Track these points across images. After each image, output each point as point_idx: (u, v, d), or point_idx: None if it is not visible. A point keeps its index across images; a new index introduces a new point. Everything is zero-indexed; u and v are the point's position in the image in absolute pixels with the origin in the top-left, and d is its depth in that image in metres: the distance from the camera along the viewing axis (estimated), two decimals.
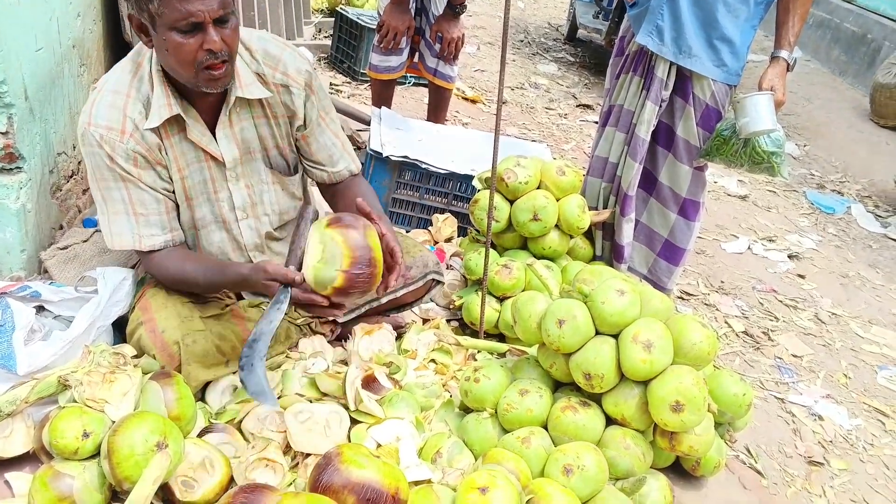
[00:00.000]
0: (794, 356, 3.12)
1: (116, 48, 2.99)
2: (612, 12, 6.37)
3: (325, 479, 1.56)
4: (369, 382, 2.08)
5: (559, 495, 1.73)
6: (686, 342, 1.94)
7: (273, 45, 2.02)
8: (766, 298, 3.55)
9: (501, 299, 2.63)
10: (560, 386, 2.12)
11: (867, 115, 6.87)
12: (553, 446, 1.95)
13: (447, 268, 2.86)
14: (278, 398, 1.99)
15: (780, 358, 3.09)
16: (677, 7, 2.58)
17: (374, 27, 3.77)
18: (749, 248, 4.06)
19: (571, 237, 2.85)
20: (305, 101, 2.05)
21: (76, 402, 1.74)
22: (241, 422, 1.95)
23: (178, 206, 2.05)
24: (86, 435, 1.66)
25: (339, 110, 3.60)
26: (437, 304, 2.74)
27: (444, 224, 3.12)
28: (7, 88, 2.08)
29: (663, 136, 2.80)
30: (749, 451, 2.46)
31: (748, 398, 2.10)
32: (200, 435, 1.87)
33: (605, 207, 2.94)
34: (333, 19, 5.44)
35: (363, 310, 2.40)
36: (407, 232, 3.13)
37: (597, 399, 2.01)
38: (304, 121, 2.09)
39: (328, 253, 1.73)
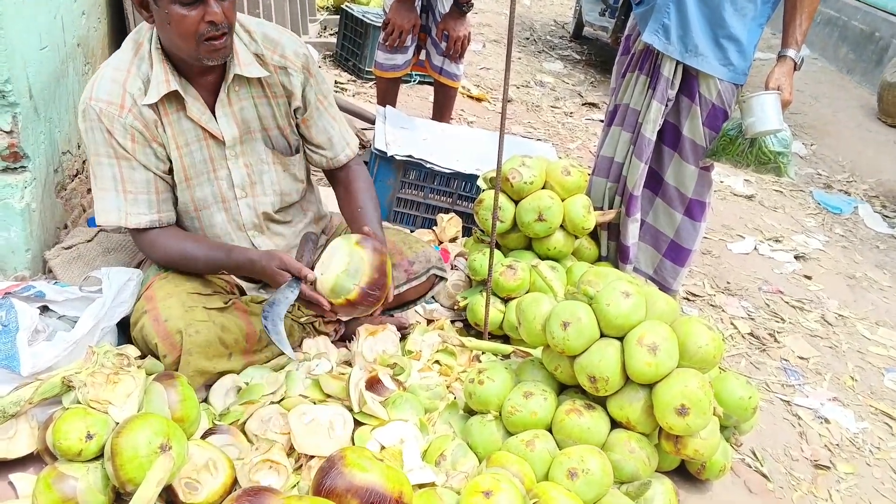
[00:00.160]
0: (801, 358, 3.11)
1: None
2: (618, 10, 6.35)
3: (329, 483, 1.55)
4: (373, 384, 2.08)
5: (564, 499, 1.72)
6: (692, 345, 1.93)
7: (272, 29, 2.08)
8: (773, 299, 3.53)
9: (506, 300, 2.62)
10: (565, 388, 2.11)
11: (875, 114, 6.84)
12: (557, 449, 1.94)
13: (451, 268, 2.85)
14: (281, 401, 1.99)
15: (786, 360, 3.08)
16: (684, 5, 2.56)
17: (380, 25, 3.77)
18: (755, 248, 4.04)
19: (576, 238, 2.83)
20: (304, 84, 2.11)
21: (80, 403, 1.74)
22: (244, 423, 1.94)
23: (173, 188, 2.07)
24: (89, 436, 1.66)
25: (343, 109, 3.58)
26: (441, 305, 2.74)
27: (449, 224, 3.11)
28: (11, 87, 2.07)
29: (669, 135, 2.78)
30: (755, 455, 2.45)
31: (754, 401, 2.09)
32: (204, 436, 1.87)
33: (610, 207, 2.93)
34: (339, 17, 5.43)
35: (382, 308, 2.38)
36: (411, 231, 3.12)
37: (602, 402, 2.00)
38: (304, 104, 2.14)
39: (352, 267, 1.89)
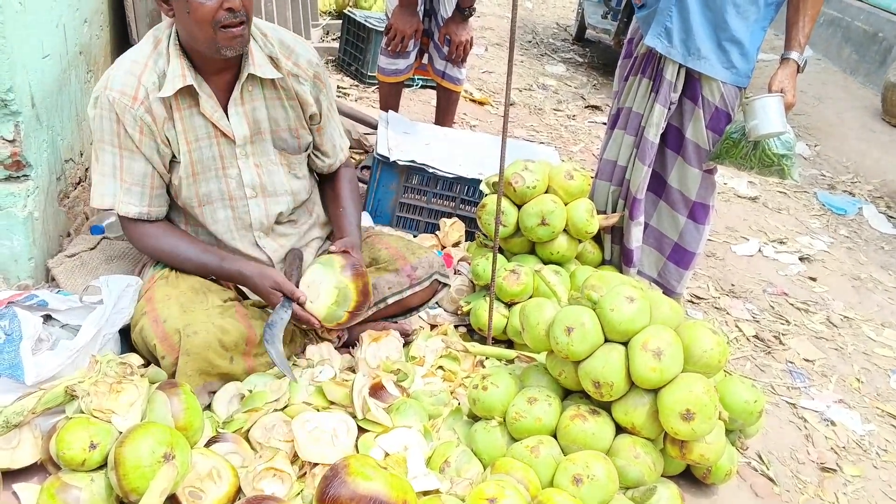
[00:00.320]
0: (806, 360, 3.09)
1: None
2: (620, 12, 6.34)
3: (333, 492, 1.54)
4: (377, 390, 2.07)
5: None
6: (696, 350, 1.92)
7: (287, 36, 2.15)
8: (777, 301, 3.52)
9: (509, 305, 2.62)
10: (569, 393, 2.10)
11: (879, 115, 6.82)
12: (562, 455, 1.93)
13: (455, 273, 2.85)
14: (284, 408, 1.98)
15: (791, 362, 3.06)
16: (686, 9, 2.56)
17: (382, 30, 3.77)
18: (760, 250, 4.03)
19: (580, 242, 2.83)
20: (318, 93, 2.19)
21: (83, 412, 1.74)
22: (248, 431, 1.94)
23: (169, 185, 2.11)
24: (93, 446, 1.65)
25: (345, 114, 3.59)
26: (444, 310, 2.73)
27: (452, 228, 3.11)
28: (14, 96, 2.07)
29: (672, 138, 2.78)
30: (761, 458, 2.44)
31: (759, 405, 2.08)
32: (208, 444, 1.86)
33: (613, 211, 2.92)
34: (341, 22, 5.44)
35: (369, 312, 2.39)
36: (414, 237, 3.12)
37: (606, 407, 2.00)
38: (319, 112, 2.21)
39: (341, 297, 2.06)
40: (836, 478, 2.45)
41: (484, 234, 2.85)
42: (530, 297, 2.60)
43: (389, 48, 3.48)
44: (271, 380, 2.09)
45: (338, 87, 5.02)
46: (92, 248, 2.45)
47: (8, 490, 1.73)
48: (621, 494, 1.89)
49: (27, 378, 1.78)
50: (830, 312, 3.51)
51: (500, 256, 2.60)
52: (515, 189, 2.71)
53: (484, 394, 2.05)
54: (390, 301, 2.40)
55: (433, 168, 3.11)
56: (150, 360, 2.00)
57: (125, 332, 2.08)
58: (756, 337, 3.20)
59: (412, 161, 3.09)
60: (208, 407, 2.03)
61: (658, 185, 2.88)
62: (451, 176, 3.13)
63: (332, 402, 2.04)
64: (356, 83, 5.17)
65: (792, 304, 3.52)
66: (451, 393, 2.25)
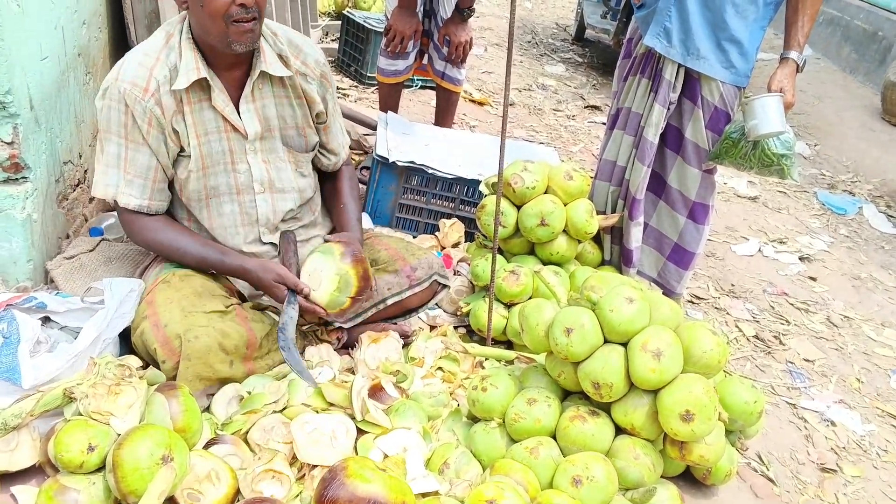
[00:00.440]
0: (806, 360, 3.09)
1: (122, 55, 2.98)
2: (619, 12, 6.34)
3: (331, 494, 1.54)
4: (376, 391, 2.07)
5: None
6: (696, 350, 1.92)
7: (295, 35, 2.20)
8: (778, 301, 3.52)
9: (509, 306, 2.61)
10: (569, 394, 2.10)
11: (878, 114, 6.81)
12: (562, 456, 1.93)
13: (454, 273, 2.84)
14: (283, 409, 1.98)
15: (791, 362, 3.06)
16: (685, 8, 2.55)
17: (381, 30, 3.76)
18: (760, 250, 4.02)
19: (579, 242, 2.82)
20: (325, 93, 2.23)
21: (81, 414, 1.73)
22: (247, 433, 1.94)
23: (171, 180, 2.12)
24: (91, 448, 1.65)
25: (345, 115, 3.58)
26: (444, 311, 2.73)
27: (451, 229, 3.10)
28: (12, 98, 2.07)
29: (672, 138, 2.77)
30: (761, 459, 2.43)
31: (759, 405, 2.07)
32: (207, 446, 1.86)
33: (613, 211, 2.92)
34: (340, 23, 5.44)
35: (369, 314, 2.39)
36: (414, 237, 3.12)
37: (606, 408, 1.99)
38: (325, 111, 2.25)
39: (342, 283, 2.10)
40: (837, 478, 2.45)
41: (483, 235, 2.85)
42: (530, 298, 2.60)
43: (389, 49, 3.48)
44: (270, 381, 2.09)
45: (337, 87, 5.01)
46: (91, 250, 2.45)
47: (6, 493, 1.72)
48: (621, 496, 1.89)
49: (24, 382, 1.78)
50: (830, 312, 3.50)
51: (499, 257, 2.60)
52: (515, 189, 2.71)
53: (483, 395, 2.05)
54: (390, 302, 2.40)
55: (432, 169, 3.11)
56: (150, 362, 2.00)
57: (124, 334, 2.08)
58: (756, 337, 3.20)
59: (411, 162, 3.09)
60: (207, 409, 2.02)
61: (658, 185, 2.88)
62: (450, 177, 3.12)
63: (331, 404, 2.03)
64: (355, 84, 5.17)
65: (792, 304, 3.52)
66: (451, 394, 2.25)
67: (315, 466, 1.83)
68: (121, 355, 2.05)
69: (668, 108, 2.68)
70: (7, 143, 2.12)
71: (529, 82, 6.33)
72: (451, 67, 3.60)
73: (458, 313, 2.69)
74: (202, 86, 2.03)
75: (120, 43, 2.96)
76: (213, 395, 2.04)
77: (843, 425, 2.71)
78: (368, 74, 5.05)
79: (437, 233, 3.14)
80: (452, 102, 3.83)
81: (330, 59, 5.51)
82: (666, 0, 2.58)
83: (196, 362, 1.94)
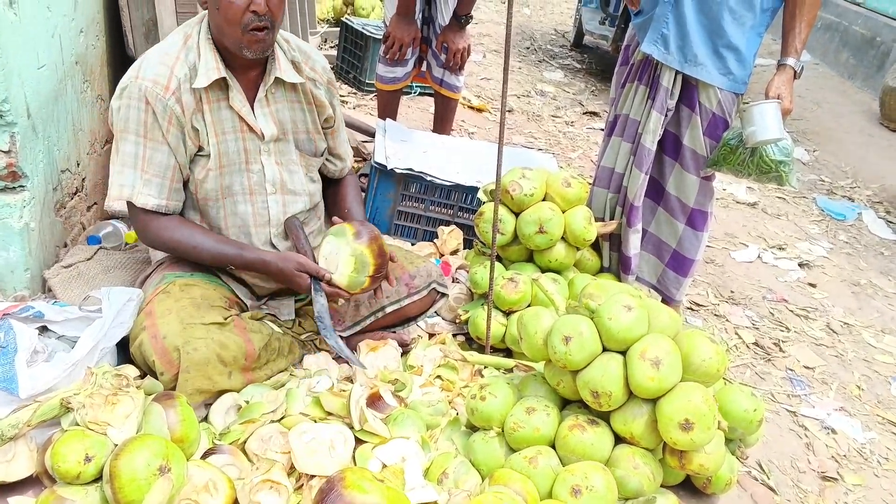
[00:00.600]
0: (806, 367, 3.08)
1: (120, 63, 2.99)
2: (618, 18, 6.35)
3: None
4: (374, 400, 2.06)
5: None
6: (695, 359, 1.91)
7: (303, 43, 2.27)
8: (777, 308, 3.51)
9: (508, 313, 2.61)
10: (568, 403, 2.09)
11: (877, 119, 6.82)
12: (561, 466, 1.92)
13: (453, 281, 2.84)
14: (281, 419, 1.97)
15: (791, 370, 3.05)
16: (682, 15, 2.55)
17: (380, 37, 3.77)
18: (759, 256, 4.02)
19: (578, 249, 2.82)
20: (331, 98, 2.28)
21: (78, 425, 1.73)
22: (245, 442, 1.93)
23: (186, 180, 2.12)
24: (88, 459, 1.65)
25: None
26: (442, 319, 2.72)
27: (450, 236, 3.10)
28: (9, 107, 2.07)
29: (670, 145, 2.77)
30: (761, 467, 2.43)
31: (759, 413, 2.06)
32: (204, 456, 1.85)
33: (611, 218, 2.92)
34: (339, 29, 5.44)
35: (367, 321, 2.39)
36: (412, 245, 3.11)
37: (605, 417, 1.98)
38: (334, 116, 2.31)
39: (359, 263, 2.10)
40: (837, 486, 2.44)
41: (482, 242, 2.85)
42: (529, 306, 2.59)
43: (387, 56, 3.48)
44: (268, 390, 2.09)
45: None
46: (88, 259, 2.44)
47: (3, 503, 1.71)
48: None
49: (21, 391, 1.77)
50: (830, 319, 3.50)
51: (498, 264, 2.59)
52: (513, 197, 2.71)
53: (482, 404, 2.04)
54: (388, 310, 2.40)
55: (431, 176, 3.11)
56: (148, 372, 1.99)
57: (123, 343, 2.07)
58: (756, 344, 3.19)
59: (409, 169, 3.09)
60: (205, 418, 2.02)
61: (656, 191, 2.87)
62: (448, 184, 3.12)
63: (329, 413, 2.03)
64: (354, 91, 5.17)
65: (791, 311, 3.51)
66: (450, 403, 2.24)
67: (313, 476, 1.82)
68: (119, 364, 2.04)
69: (666, 115, 2.68)
70: (4, 152, 2.12)
71: (528, 88, 6.33)
72: (449, 74, 3.60)
73: (457, 321, 2.68)
74: (220, 86, 2.06)
75: (117, 51, 2.96)
76: (210, 404, 2.03)
77: (843, 433, 2.70)
78: (367, 81, 5.05)
79: (435, 240, 3.14)
80: (451, 109, 3.83)
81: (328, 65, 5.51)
82: (663, 7, 2.58)
83: (195, 374, 1.93)
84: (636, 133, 2.75)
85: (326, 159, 2.39)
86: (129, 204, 2.09)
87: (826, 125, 6.58)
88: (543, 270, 2.76)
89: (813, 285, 3.80)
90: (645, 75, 2.70)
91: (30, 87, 2.18)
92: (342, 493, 1.54)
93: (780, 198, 4.94)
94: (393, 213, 3.17)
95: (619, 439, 1.98)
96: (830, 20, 8.56)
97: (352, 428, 1.97)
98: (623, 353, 1.93)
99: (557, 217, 2.68)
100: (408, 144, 3.35)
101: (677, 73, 2.61)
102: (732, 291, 3.59)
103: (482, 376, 2.39)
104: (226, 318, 2.08)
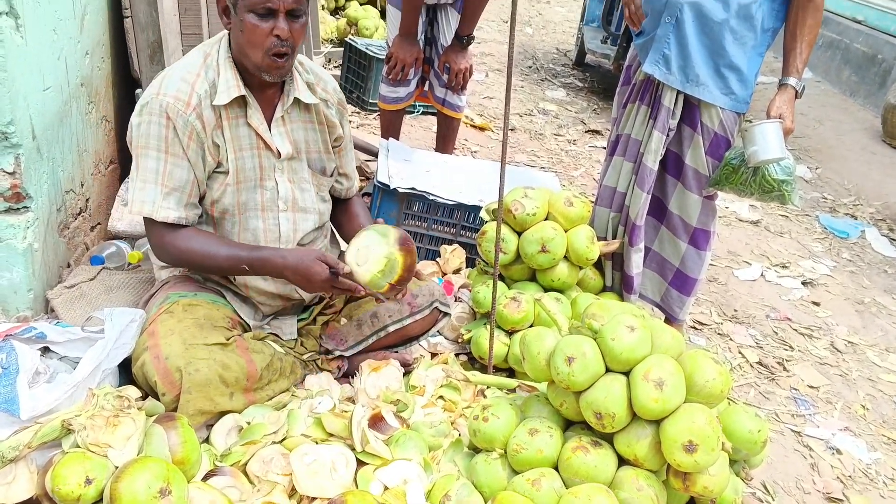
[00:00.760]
0: (811, 387, 3.06)
1: (125, 85, 3.01)
2: (619, 37, 6.38)
3: None
4: (376, 421, 2.05)
5: None
6: (699, 379, 1.90)
7: (316, 66, 2.32)
8: (781, 327, 3.50)
9: (510, 333, 2.60)
10: (571, 424, 2.08)
11: (879, 136, 6.82)
12: (564, 488, 1.90)
13: (455, 300, 2.84)
14: (282, 440, 1.97)
15: (795, 389, 3.03)
16: (684, 36, 2.57)
17: (383, 57, 3.79)
18: (762, 275, 4.01)
19: (581, 268, 2.82)
20: (341, 118, 2.33)
21: (79, 446, 1.72)
22: (246, 464, 1.92)
23: (202, 196, 2.14)
24: (88, 481, 1.64)
25: None
26: (445, 338, 2.72)
27: (453, 255, 3.10)
28: (14, 129, 2.09)
29: (672, 164, 2.78)
30: (766, 488, 2.41)
31: (763, 435, 2.05)
32: (205, 478, 1.84)
33: (613, 237, 2.92)
34: (342, 49, 5.47)
35: (370, 341, 2.39)
36: None
37: (608, 438, 1.97)
38: (343, 136, 2.36)
39: (388, 267, 2.06)
40: None
41: (484, 261, 2.85)
42: (531, 325, 2.59)
43: (390, 77, 3.50)
44: (269, 411, 2.08)
45: None
46: (91, 279, 2.45)
47: None
48: None
49: (22, 413, 1.77)
50: (834, 338, 3.48)
51: (500, 284, 2.59)
52: (515, 216, 2.71)
53: (484, 425, 2.03)
54: (391, 329, 2.40)
55: (433, 195, 3.11)
56: (150, 393, 1.99)
57: (125, 364, 2.07)
58: (759, 363, 3.17)
59: (412, 188, 3.10)
60: (206, 439, 2.01)
61: (659, 210, 2.88)
62: (451, 203, 3.13)
63: (330, 434, 2.02)
64: (357, 110, 5.19)
65: (795, 330, 3.49)
66: (452, 423, 2.23)
67: (314, 499, 1.81)
68: (121, 385, 2.04)
69: (668, 135, 2.69)
70: (9, 173, 2.13)
71: (530, 107, 6.36)
72: (451, 94, 3.62)
73: (460, 340, 2.68)
74: (239, 103, 2.10)
75: (123, 73, 2.98)
76: (212, 425, 2.03)
77: (848, 453, 2.68)
78: (370, 101, 5.06)
79: (438, 259, 3.14)
80: (453, 129, 3.85)
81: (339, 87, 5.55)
82: (664, 27, 2.60)
83: (197, 395, 1.93)
84: (638, 153, 2.76)
85: (337, 180, 2.42)
86: (147, 220, 2.09)
87: (828, 143, 6.59)
88: (546, 289, 2.76)
89: (816, 304, 3.79)
90: (647, 95, 2.71)
91: (35, 109, 2.20)
92: None
93: (782, 216, 4.93)
94: None
95: (622, 461, 1.96)
96: (832, 38, 8.60)
97: (353, 449, 1.96)
98: (626, 373, 1.92)
99: (560, 236, 2.68)
100: (411, 164, 3.36)
101: (679, 92, 2.62)
102: (736, 310, 3.58)
103: (485, 396, 2.38)
104: (228, 339, 2.09)
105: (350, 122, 4.89)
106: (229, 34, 2.09)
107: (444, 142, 3.89)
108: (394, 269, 2.06)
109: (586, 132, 5.98)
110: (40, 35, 2.21)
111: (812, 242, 4.59)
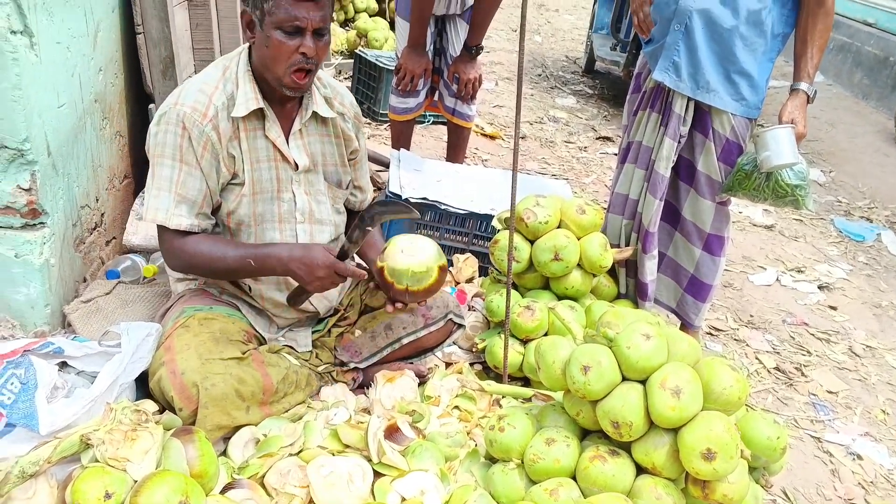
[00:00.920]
0: (829, 392, 3.04)
1: (138, 100, 3.03)
2: (629, 44, 6.38)
3: None
4: (392, 432, 2.05)
5: None
6: (716, 387, 1.88)
7: (333, 80, 2.35)
8: (798, 332, 3.47)
9: (525, 341, 2.60)
10: (588, 433, 2.07)
11: (892, 139, 6.77)
12: (582, 498, 1.89)
13: (469, 309, 2.83)
14: (299, 452, 1.97)
15: (814, 394, 3.01)
16: (694, 42, 2.56)
17: (393, 68, 3.81)
18: (777, 279, 3.98)
19: (594, 276, 2.81)
20: (357, 131, 2.36)
21: (98, 461, 1.73)
22: (263, 476, 1.92)
23: (217, 207, 2.15)
24: (108, 496, 1.64)
25: None
26: (459, 347, 2.71)
27: (465, 264, 3.10)
28: (30, 146, 2.11)
29: (684, 171, 2.77)
30: (786, 495, 2.39)
31: (783, 441, 2.03)
32: (223, 491, 1.84)
33: (626, 244, 2.91)
34: (353, 61, 5.51)
35: (384, 353, 2.39)
36: None
37: (626, 447, 1.96)
38: (359, 148, 2.39)
39: (422, 274, 2.15)
40: None
41: (497, 270, 2.84)
42: (546, 334, 2.58)
43: (399, 87, 3.52)
44: (286, 423, 2.08)
45: None
46: (107, 294, 2.46)
47: None
48: None
49: (41, 428, 1.78)
50: (852, 342, 3.45)
51: (514, 292, 2.59)
52: (527, 224, 2.71)
53: (501, 435, 2.03)
54: (405, 341, 2.40)
55: (445, 204, 3.12)
56: (167, 407, 2.00)
57: (142, 377, 2.08)
58: (777, 369, 3.15)
59: (424, 198, 3.10)
60: (224, 452, 2.01)
61: (673, 216, 2.87)
62: (462, 212, 3.13)
63: (346, 446, 2.02)
64: (368, 121, 5.21)
65: (812, 335, 3.47)
66: (468, 434, 2.23)
67: None
68: (138, 399, 2.05)
69: (679, 142, 2.68)
70: (25, 190, 2.15)
71: (540, 115, 6.36)
72: (461, 104, 3.63)
73: (474, 350, 2.67)
74: (258, 115, 2.12)
75: (136, 89, 3.01)
76: (229, 437, 2.03)
77: (869, 459, 2.65)
78: (381, 112, 5.10)
79: (450, 268, 3.14)
80: (464, 138, 3.85)
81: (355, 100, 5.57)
82: (674, 34, 2.60)
83: (213, 410, 1.94)
84: (649, 160, 2.75)
85: (351, 192, 2.44)
86: (160, 227, 2.10)
87: (841, 146, 6.55)
88: (560, 298, 2.76)
89: (833, 308, 3.76)
90: (657, 102, 2.71)
91: (50, 126, 2.22)
92: None
93: (797, 220, 4.90)
94: None
95: (640, 470, 1.95)
96: (843, 41, 8.56)
97: (370, 461, 1.96)
98: (643, 382, 1.91)
99: (573, 244, 2.68)
100: (422, 173, 3.37)
101: (689, 99, 2.62)
102: (752, 315, 3.56)
103: (500, 406, 2.37)
104: (244, 353, 2.09)
105: None
106: (250, 48, 2.11)
107: (455, 151, 3.90)
108: (424, 279, 2.14)
109: (597, 139, 5.97)
110: (54, 53, 2.23)
111: (827, 246, 4.56)
